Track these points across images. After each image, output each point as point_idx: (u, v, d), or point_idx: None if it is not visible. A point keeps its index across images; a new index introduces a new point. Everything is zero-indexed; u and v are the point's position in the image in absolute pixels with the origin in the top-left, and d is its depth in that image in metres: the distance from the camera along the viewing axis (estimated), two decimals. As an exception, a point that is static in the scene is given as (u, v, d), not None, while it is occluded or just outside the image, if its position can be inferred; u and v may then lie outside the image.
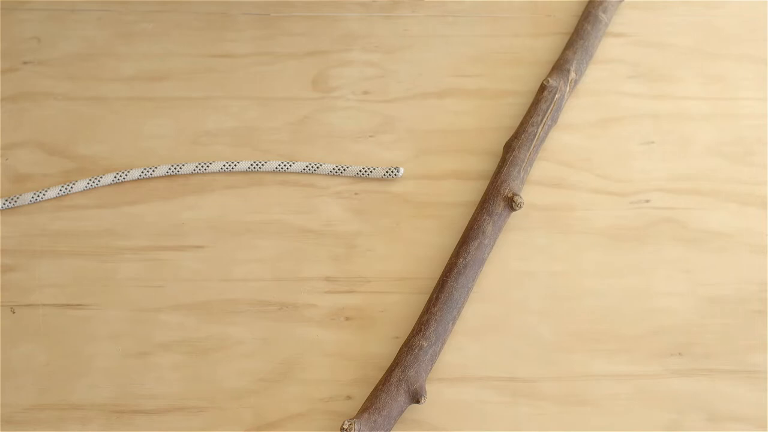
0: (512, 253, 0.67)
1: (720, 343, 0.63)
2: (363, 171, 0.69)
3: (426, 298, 0.64)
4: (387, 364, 0.61)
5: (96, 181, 0.68)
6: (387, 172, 0.69)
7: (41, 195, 0.67)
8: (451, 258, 0.64)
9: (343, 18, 0.82)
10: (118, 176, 0.69)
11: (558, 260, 0.67)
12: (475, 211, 0.67)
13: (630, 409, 0.60)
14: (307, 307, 0.64)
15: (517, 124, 0.73)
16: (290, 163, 0.70)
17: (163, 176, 0.70)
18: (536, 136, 0.70)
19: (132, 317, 0.64)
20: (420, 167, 0.72)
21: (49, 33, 0.80)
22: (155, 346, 0.62)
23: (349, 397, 0.60)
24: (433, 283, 0.64)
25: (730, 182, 0.71)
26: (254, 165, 0.70)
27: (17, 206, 0.68)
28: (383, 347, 0.62)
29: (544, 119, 0.71)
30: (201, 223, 0.68)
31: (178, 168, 0.69)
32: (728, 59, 0.79)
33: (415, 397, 0.58)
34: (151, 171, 0.68)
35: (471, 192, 0.70)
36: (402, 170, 0.69)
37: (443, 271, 0.64)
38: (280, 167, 0.69)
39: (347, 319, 0.64)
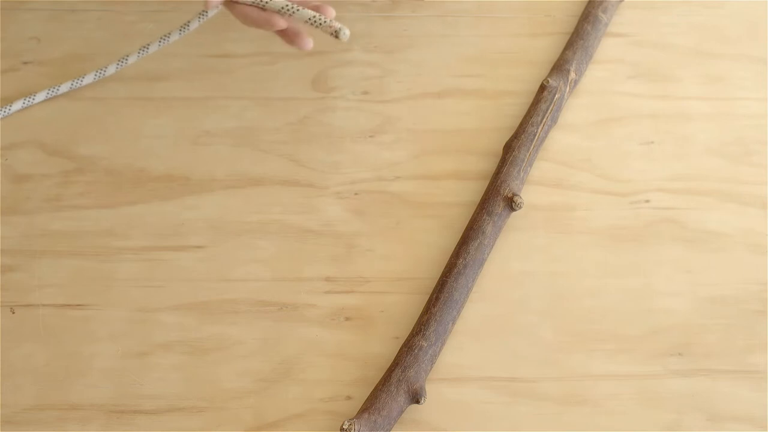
0: (512, 253, 0.67)
1: (720, 343, 0.63)
2: (314, 19, 0.59)
3: (426, 298, 0.64)
4: (387, 364, 0.61)
5: (79, 82, 0.73)
6: (334, 31, 0.59)
7: (31, 99, 0.72)
8: (451, 258, 0.64)
9: (343, 18, 0.81)
10: (98, 73, 0.74)
11: (558, 260, 0.67)
12: (475, 211, 0.67)
13: (630, 409, 0.60)
14: (307, 307, 0.64)
15: (517, 124, 0.73)
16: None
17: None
18: (536, 136, 0.70)
19: (132, 317, 0.64)
20: (420, 167, 0.72)
21: (49, 33, 0.80)
22: (155, 346, 0.62)
23: (349, 397, 0.60)
24: (433, 283, 0.64)
25: (730, 182, 0.71)
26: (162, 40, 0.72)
27: (10, 113, 0.72)
28: (383, 347, 0.62)
29: (544, 119, 0.71)
30: (201, 223, 0.68)
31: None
32: (728, 59, 0.79)
33: (415, 397, 0.58)
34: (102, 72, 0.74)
35: (471, 192, 0.70)
36: (347, 33, 0.59)
37: (443, 271, 0.64)
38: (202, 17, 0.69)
39: (347, 319, 0.64)
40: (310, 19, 0.58)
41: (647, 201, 0.70)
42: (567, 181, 0.71)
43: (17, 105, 0.71)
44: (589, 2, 0.81)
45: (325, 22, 0.57)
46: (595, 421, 0.59)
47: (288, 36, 0.63)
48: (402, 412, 0.58)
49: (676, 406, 0.60)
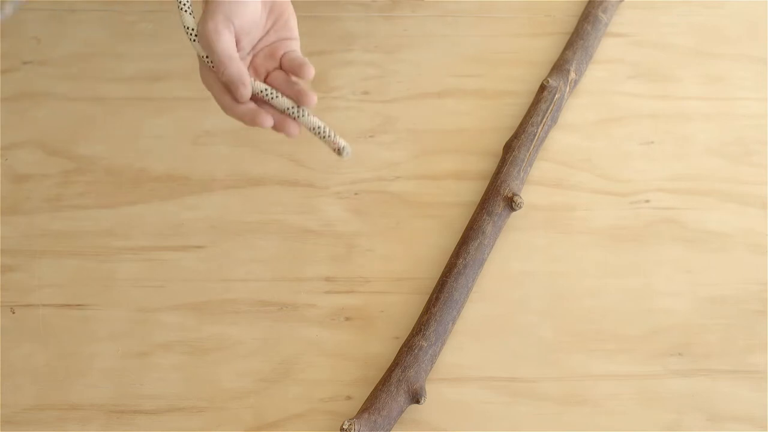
0: (512, 253, 0.67)
1: (720, 343, 0.63)
2: (319, 129, 0.54)
3: (426, 298, 0.64)
4: (387, 364, 0.61)
5: None
6: (337, 149, 0.54)
7: None
8: (451, 258, 0.64)
9: (343, 18, 0.82)
10: None
11: (558, 260, 0.67)
12: (475, 211, 0.67)
13: (630, 409, 0.60)
14: (307, 307, 0.64)
15: (517, 124, 0.73)
16: None
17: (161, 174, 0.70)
18: (536, 136, 0.70)
19: (132, 317, 0.64)
20: (420, 167, 0.72)
21: (49, 33, 0.80)
22: (155, 346, 0.62)
23: (349, 397, 0.60)
24: (433, 283, 0.64)
25: (730, 182, 0.71)
26: None
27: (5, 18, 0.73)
28: (383, 347, 0.62)
29: (544, 119, 0.71)
30: (201, 223, 0.68)
31: None
32: (728, 59, 0.79)
33: (415, 397, 0.58)
34: None
35: (471, 192, 0.70)
36: (349, 153, 0.54)
37: (443, 271, 0.64)
38: None
39: (347, 319, 0.64)
40: (315, 128, 0.54)
41: (647, 201, 0.70)
42: (567, 181, 0.71)
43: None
44: (589, 2, 0.81)
45: (330, 136, 0.53)
46: (595, 421, 0.59)
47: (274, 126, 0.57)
48: (402, 412, 0.58)
49: (676, 406, 0.60)
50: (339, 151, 0.53)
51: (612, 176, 0.71)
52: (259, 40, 0.56)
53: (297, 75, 0.54)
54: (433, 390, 0.60)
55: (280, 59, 0.55)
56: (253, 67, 0.56)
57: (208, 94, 0.76)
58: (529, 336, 0.63)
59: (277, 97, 0.53)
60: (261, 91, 0.53)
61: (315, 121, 0.54)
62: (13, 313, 0.64)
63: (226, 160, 0.72)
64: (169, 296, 0.65)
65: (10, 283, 0.65)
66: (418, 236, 0.68)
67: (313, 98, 0.53)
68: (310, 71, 0.54)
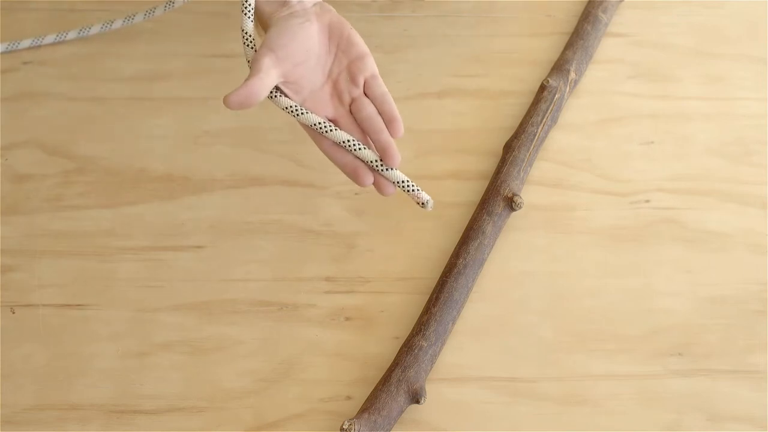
0: (512, 253, 0.67)
1: (720, 343, 0.63)
2: (404, 184, 0.57)
3: (426, 298, 0.64)
4: (387, 364, 0.61)
5: (86, 31, 0.77)
6: (422, 202, 0.57)
7: (39, 40, 0.77)
8: (451, 258, 0.64)
9: (344, 18, 0.81)
10: (104, 26, 0.77)
11: (558, 260, 0.67)
12: (475, 211, 0.67)
13: (630, 409, 0.60)
14: (307, 307, 0.64)
15: (517, 124, 0.73)
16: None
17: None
18: (536, 136, 0.70)
19: (132, 317, 0.64)
20: (420, 167, 0.72)
21: (49, 33, 0.80)
22: (155, 346, 0.62)
23: (349, 397, 0.60)
24: (433, 283, 0.64)
25: (730, 182, 0.71)
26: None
27: (18, 49, 0.77)
28: (383, 347, 0.62)
29: (544, 119, 0.71)
30: (201, 223, 0.68)
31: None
32: (728, 59, 0.79)
33: (415, 398, 0.58)
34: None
35: (471, 192, 0.70)
36: (432, 205, 0.57)
37: (443, 271, 0.64)
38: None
39: (347, 319, 0.64)
40: (399, 182, 0.57)
41: (647, 201, 0.70)
42: (567, 181, 0.71)
43: (25, 43, 0.76)
44: (589, 2, 0.81)
45: (414, 190, 0.56)
46: (595, 421, 0.59)
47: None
48: (402, 412, 0.58)
49: (676, 406, 0.60)
50: (423, 204, 0.57)
51: (612, 176, 0.71)
52: (332, 64, 0.56)
53: (386, 125, 0.56)
54: (433, 390, 0.60)
55: (363, 85, 0.56)
56: (336, 95, 0.56)
57: (209, 94, 0.77)
58: (529, 336, 0.63)
59: (361, 149, 0.55)
60: (344, 142, 0.55)
61: (399, 175, 0.56)
62: (13, 313, 0.64)
63: (226, 160, 0.72)
64: (169, 296, 0.65)
65: (10, 283, 0.65)
66: (418, 236, 0.68)
67: (398, 158, 0.56)
68: (399, 130, 0.56)
